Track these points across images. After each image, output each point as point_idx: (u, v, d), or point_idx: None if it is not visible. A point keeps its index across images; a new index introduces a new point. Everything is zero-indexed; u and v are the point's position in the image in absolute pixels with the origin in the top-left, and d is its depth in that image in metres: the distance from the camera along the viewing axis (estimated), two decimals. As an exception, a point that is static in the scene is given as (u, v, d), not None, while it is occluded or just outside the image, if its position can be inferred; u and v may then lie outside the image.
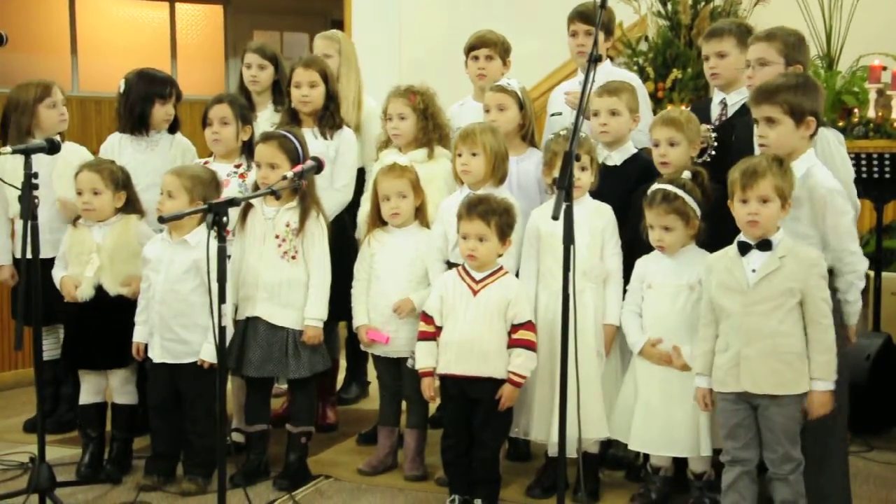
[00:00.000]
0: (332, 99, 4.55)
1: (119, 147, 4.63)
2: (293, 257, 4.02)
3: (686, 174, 3.71)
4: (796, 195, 3.30)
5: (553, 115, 4.80)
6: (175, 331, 3.95)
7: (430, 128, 4.34)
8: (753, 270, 3.26)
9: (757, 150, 3.55)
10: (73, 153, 4.55)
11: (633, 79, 4.68)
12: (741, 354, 3.28)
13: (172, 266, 3.95)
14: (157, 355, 3.98)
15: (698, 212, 3.65)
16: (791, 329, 3.23)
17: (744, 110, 4.12)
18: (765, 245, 3.26)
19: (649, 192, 3.70)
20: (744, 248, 3.29)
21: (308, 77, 4.48)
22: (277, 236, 4.01)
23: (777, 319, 3.23)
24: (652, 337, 3.69)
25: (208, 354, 3.89)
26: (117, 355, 4.10)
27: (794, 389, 3.23)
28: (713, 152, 4.01)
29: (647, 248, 3.78)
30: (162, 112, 4.62)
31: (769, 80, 3.49)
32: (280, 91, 4.91)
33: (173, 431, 4.04)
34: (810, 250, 3.28)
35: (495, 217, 3.68)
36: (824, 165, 3.41)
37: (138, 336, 4.04)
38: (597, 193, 3.94)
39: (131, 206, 4.20)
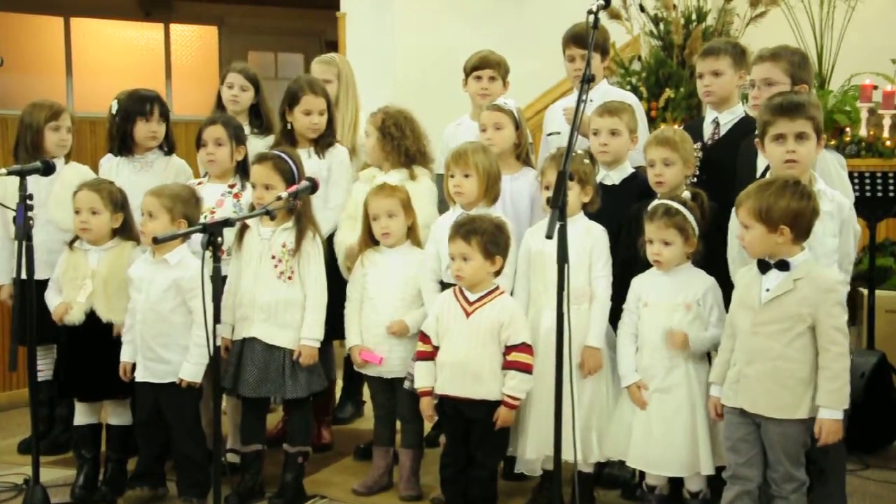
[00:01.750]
0: (329, 122, 4.58)
1: (117, 169, 4.63)
2: (289, 278, 4.01)
3: (686, 194, 3.72)
4: (828, 209, 3.28)
5: (549, 134, 4.81)
6: (156, 350, 3.94)
7: (388, 148, 4.34)
8: (767, 290, 3.23)
9: (760, 168, 3.57)
10: (74, 174, 4.55)
11: (629, 97, 4.69)
12: (741, 372, 3.27)
13: (153, 285, 3.94)
14: (139, 374, 3.97)
15: (696, 230, 3.65)
16: (797, 354, 3.17)
17: (737, 129, 4.14)
18: (783, 265, 3.20)
19: (651, 206, 3.70)
20: (763, 267, 3.25)
21: (319, 105, 4.50)
22: (273, 257, 4.01)
23: (783, 343, 3.18)
24: (641, 380, 3.69)
25: (188, 374, 3.91)
26: (108, 385, 4.08)
27: (791, 414, 3.18)
28: (696, 174, 4.02)
29: (643, 267, 3.79)
30: (145, 130, 4.58)
31: (786, 96, 3.47)
32: (258, 114, 4.93)
33: (158, 448, 4.04)
34: (830, 274, 3.22)
35: (477, 236, 3.69)
36: None
37: (125, 356, 4.02)
38: (595, 213, 3.94)
39: (128, 228, 4.19)
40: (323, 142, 4.54)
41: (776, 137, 3.38)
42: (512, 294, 3.91)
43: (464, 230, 3.71)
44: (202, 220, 4.09)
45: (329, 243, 4.31)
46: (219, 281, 3.18)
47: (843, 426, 3.19)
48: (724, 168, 3.95)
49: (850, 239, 3.39)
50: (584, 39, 4.45)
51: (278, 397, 4.25)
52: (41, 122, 4.60)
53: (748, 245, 3.25)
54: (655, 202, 3.71)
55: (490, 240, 3.70)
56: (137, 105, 4.58)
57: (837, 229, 3.35)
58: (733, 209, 3.33)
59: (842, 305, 3.19)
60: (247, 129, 4.86)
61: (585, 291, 3.83)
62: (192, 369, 3.91)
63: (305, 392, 4.03)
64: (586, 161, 3.91)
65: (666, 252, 3.65)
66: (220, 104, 4.97)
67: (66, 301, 4.10)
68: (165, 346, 3.94)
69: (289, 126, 4.56)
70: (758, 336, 3.23)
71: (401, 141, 4.33)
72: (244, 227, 4.07)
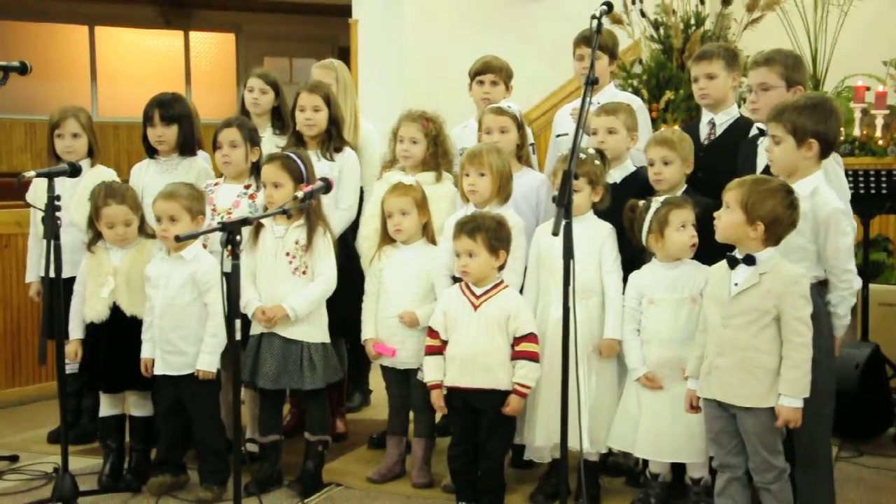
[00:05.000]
0: (334, 123, 4.54)
1: (146, 170, 4.66)
2: (304, 273, 4.02)
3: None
4: (803, 210, 3.23)
5: (559, 135, 4.80)
6: (174, 343, 3.95)
7: (438, 153, 4.35)
8: (736, 284, 3.22)
9: (760, 166, 3.57)
10: (97, 178, 4.52)
11: (634, 100, 4.67)
12: (713, 364, 3.27)
13: (171, 281, 3.96)
14: (158, 368, 3.98)
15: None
16: (765, 345, 3.17)
17: (732, 130, 4.14)
18: (750, 260, 3.20)
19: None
20: (732, 262, 3.25)
21: (312, 101, 4.48)
22: (288, 253, 4.02)
23: (751, 334, 3.17)
24: (649, 372, 3.68)
25: (204, 363, 3.92)
26: (130, 376, 4.08)
27: (761, 403, 3.17)
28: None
29: (642, 262, 3.79)
30: (151, 135, 4.57)
31: (783, 100, 3.47)
32: (279, 116, 4.92)
33: (178, 435, 4.06)
34: (794, 269, 3.20)
35: (482, 233, 3.68)
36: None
37: (146, 352, 4.03)
38: (600, 210, 3.92)
39: (145, 226, 4.19)
40: (332, 145, 4.52)
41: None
42: (522, 289, 3.91)
43: (468, 227, 3.70)
44: (219, 219, 4.12)
45: (339, 244, 4.29)
46: (238, 278, 3.17)
47: (827, 415, 3.17)
48: (720, 167, 3.93)
49: (829, 244, 3.31)
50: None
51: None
52: (49, 130, 4.67)
53: (722, 224, 3.24)
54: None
55: (494, 235, 3.69)
56: (145, 111, 4.59)
57: (809, 229, 3.30)
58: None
59: (805, 298, 3.16)
60: (269, 130, 4.87)
61: (594, 287, 3.82)
62: (207, 359, 3.93)
63: (322, 383, 4.03)
64: (597, 162, 3.89)
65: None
66: (243, 108, 4.98)
67: (89, 297, 4.10)
68: (184, 339, 3.95)
69: (295, 128, 4.55)
70: (728, 328, 3.22)
71: (446, 147, 4.37)
72: (259, 226, 4.07)
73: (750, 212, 3.15)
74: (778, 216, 3.16)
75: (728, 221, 3.22)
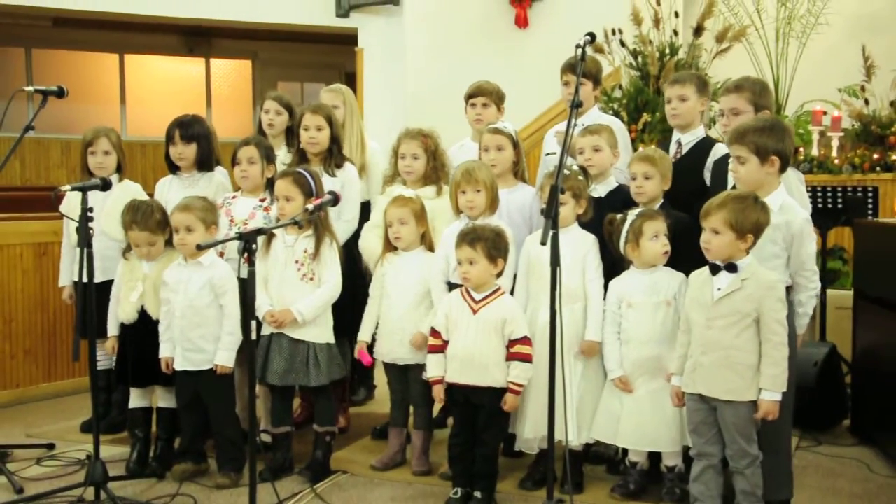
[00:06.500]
0: (335, 141, 4.50)
1: (169, 185, 4.63)
2: (311, 279, 3.99)
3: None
4: (775, 222, 3.26)
5: (548, 154, 4.79)
6: (194, 342, 3.93)
7: (437, 166, 4.34)
8: (719, 289, 3.22)
9: (731, 183, 3.57)
10: (124, 191, 4.52)
11: (615, 122, 4.66)
12: (698, 362, 3.26)
13: (190, 285, 3.94)
14: (179, 364, 3.97)
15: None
16: (745, 344, 3.18)
17: (696, 149, 4.16)
18: (732, 268, 3.21)
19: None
20: (714, 269, 3.25)
21: (315, 121, 4.44)
22: (297, 261, 3.99)
23: (733, 334, 3.18)
24: (623, 375, 3.68)
25: (221, 359, 3.92)
26: (156, 373, 4.06)
27: (742, 397, 3.19)
28: None
29: (621, 270, 3.78)
30: (172, 152, 4.55)
31: (741, 124, 3.49)
32: (293, 134, 4.89)
33: (199, 427, 4.05)
34: (771, 275, 3.22)
35: (481, 242, 3.66)
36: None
37: (165, 352, 4.01)
38: (584, 222, 3.91)
39: (172, 238, 4.16)
40: (334, 161, 4.48)
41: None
42: (513, 294, 3.89)
43: (469, 237, 3.68)
44: (236, 230, 4.10)
45: (346, 252, 4.27)
46: (253, 283, 3.15)
47: (788, 406, 3.18)
48: (686, 182, 3.95)
49: (802, 250, 3.34)
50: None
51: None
52: (82, 148, 4.66)
53: (715, 248, 3.23)
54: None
55: (492, 245, 3.67)
56: (167, 131, 4.56)
57: (781, 238, 3.32)
58: (701, 216, 3.29)
59: (782, 301, 3.18)
60: (284, 148, 4.85)
61: (578, 293, 3.80)
62: (224, 355, 3.92)
63: (327, 380, 4.01)
64: (580, 178, 3.88)
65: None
66: (260, 128, 4.96)
67: (123, 302, 4.10)
68: (203, 338, 3.93)
69: (300, 145, 4.52)
70: (712, 329, 3.22)
71: (443, 160, 4.37)
72: (271, 236, 4.06)
73: (740, 230, 3.17)
74: (761, 224, 3.19)
75: (720, 244, 3.21)
